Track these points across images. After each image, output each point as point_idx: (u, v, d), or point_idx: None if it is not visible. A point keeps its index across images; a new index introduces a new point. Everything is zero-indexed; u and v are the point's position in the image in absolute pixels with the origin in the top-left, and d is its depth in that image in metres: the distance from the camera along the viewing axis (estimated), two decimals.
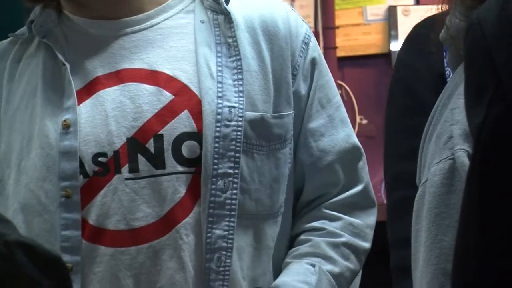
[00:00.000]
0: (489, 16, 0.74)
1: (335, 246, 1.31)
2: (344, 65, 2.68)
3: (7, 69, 1.34)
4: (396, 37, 2.78)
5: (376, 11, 2.89)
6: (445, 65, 1.34)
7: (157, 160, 1.27)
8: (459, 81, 0.98)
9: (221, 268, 1.26)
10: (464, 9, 0.95)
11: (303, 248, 1.32)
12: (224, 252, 1.26)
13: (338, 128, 1.35)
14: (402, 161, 1.30)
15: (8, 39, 1.38)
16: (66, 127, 1.27)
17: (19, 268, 0.79)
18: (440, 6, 1.05)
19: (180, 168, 1.27)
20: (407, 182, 1.08)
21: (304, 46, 1.35)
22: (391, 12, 2.83)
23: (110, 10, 1.31)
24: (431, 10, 1.20)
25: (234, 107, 1.28)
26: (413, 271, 0.99)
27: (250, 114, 1.28)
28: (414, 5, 2.86)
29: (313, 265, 1.30)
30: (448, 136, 0.96)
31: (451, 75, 1.19)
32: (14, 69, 1.35)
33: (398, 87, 1.46)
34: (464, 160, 0.91)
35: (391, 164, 1.44)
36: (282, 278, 1.31)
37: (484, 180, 0.74)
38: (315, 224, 1.34)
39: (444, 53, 1.33)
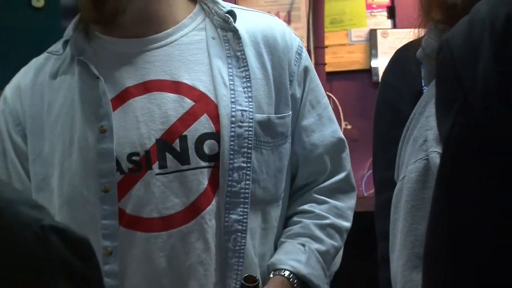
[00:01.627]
0: (457, 39, 0.76)
1: (322, 227, 1.37)
2: (332, 79, 2.80)
3: (47, 81, 1.38)
4: (376, 55, 2.93)
5: (359, 33, 3.03)
6: (423, 84, 1.33)
7: (182, 157, 1.33)
8: (433, 92, 0.95)
9: (237, 247, 1.31)
10: (437, 32, 1.01)
11: (295, 229, 1.39)
12: (239, 234, 1.32)
13: (326, 125, 1.41)
14: (388, 168, 1.28)
15: (44, 55, 1.43)
16: (103, 131, 1.31)
17: (52, 249, 0.83)
18: (415, 30, 1.11)
19: (202, 163, 1.32)
20: (392, 186, 1.10)
21: (297, 56, 1.40)
22: (372, 34, 3.01)
23: (136, 30, 1.35)
24: (407, 33, 1.24)
25: (245, 110, 1.33)
26: (390, 254, 1.05)
27: (259, 116, 1.33)
28: (392, 28, 3.01)
29: (303, 245, 1.36)
30: (424, 140, 1.00)
31: None
32: (52, 81, 1.38)
33: (383, 105, 1.50)
34: (436, 161, 0.93)
35: (379, 171, 1.47)
36: (277, 257, 1.37)
37: (452, 180, 0.76)
38: (305, 207, 1.40)
39: (422, 74, 1.32)
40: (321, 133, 1.39)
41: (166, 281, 1.30)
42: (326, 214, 1.38)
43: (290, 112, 1.37)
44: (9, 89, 1.43)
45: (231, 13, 1.36)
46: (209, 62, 1.34)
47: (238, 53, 1.35)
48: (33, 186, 1.37)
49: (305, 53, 1.42)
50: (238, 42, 1.35)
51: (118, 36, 1.35)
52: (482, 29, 0.73)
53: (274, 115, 1.36)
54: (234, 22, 1.34)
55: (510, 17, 0.71)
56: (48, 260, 0.83)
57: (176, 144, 1.32)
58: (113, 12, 1.30)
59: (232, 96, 1.33)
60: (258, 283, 1.29)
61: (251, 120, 1.33)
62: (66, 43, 1.35)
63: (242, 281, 1.29)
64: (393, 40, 2.96)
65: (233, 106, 1.32)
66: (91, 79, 1.32)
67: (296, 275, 1.32)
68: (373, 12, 3.07)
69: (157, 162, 1.31)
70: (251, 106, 1.33)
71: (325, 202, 1.39)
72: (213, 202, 1.31)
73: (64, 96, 1.35)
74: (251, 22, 1.39)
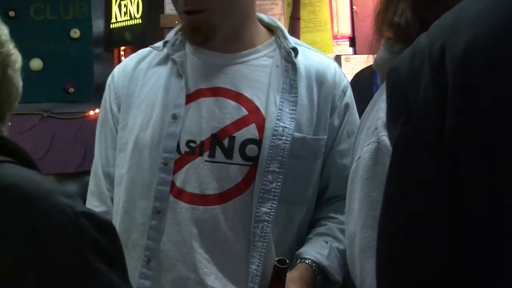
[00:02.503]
0: (403, 66, 0.82)
1: (343, 231, 1.37)
2: None
3: (144, 69, 1.50)
4: None
5: None
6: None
7: (228, 153, 1.42)
8: (381, 92, 1.08)
9: (263, 234, 1.40)
10: (387, 46, 1.11)
11: (321, 229, 1.47)
12: (266, 223, 1.40)
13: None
14: None
15: (148, 48, 1.54)
16: (175, 118, 1.43)
17: (83, 230, 0.90)
18: (370, 56, 1.18)
19: (242, 161, 1.42)
20: None
21: (342, 94, 1.49)
22: (337, 59, 3.18)
23: (222, 47, 1.46)
24: (364, 58, 1.47)
25: (286, 127, 1.42)
26: (346, 218, 1.12)
27: (297, 134, 1.42)
28: (352, 54, 3.30)
29: (327, 242, 1.44)
30: (375, 128, 1.07)
31: None
32: (149, 70, 1.50)
33: None
34: (386, 142, 0.99)
35: None
36: (304, 248, 1.45)
37: (400, 173, 0.82)
38: (332, 214, 1.48)
39: (377, 78, 1.30)
40: (351, 158, 1.40)
41: (195, 244, 1.42)
42: None
43: (325, 137, 1.46)
44: (117, 68, 1.57)
45: (295, 49, 1.46)
46: (268, 83, 1.44)
47: (292, 82, 1.45)
48: (117, 147, 1.50)
49: (349, 92, 1.50)
50: (295, 73, 1.45)
51: (207, 48, 1.47)
52: (422, 58, 0.79)
53: (310, 136, 1.44)
54: (295, 57, 1.45)
55: (444, 49, 0.77)
56: (80, 239, 0.89)
57: (226, 141, 1.42)
58: (205, 39, 1.44)
59: (279, 114, 1.43)
60: (287, 265, 1.36)
61: (289, 136, 1.42)
62: (165, 43, 1.49)
63: (275, 263, 1.36)
64: (354, 63, 3.17)
65: (277, 122, 1.42)
66: (177, 75, 1.45)
67: (318, 264, 1.41)
68: (338, 41, 3.33)
69: (207, 152, 1.42)
70: (292, 125, 1.42)
71: None
72: (244, 194, 1.41)
73: (153, 83, 1.47)
74: (310, 60, 1.49)
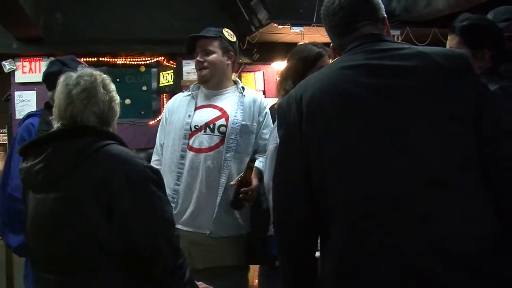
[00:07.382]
0: (284, 103, 1.39)
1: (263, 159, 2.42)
2: None
3: (179, 99, 2.60)
4: None
5: None
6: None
7: (212, 130, 2.45)
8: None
9: (227, 166, 2.45)
10: (281, 98, 1.82)
11: (259, 160, 2.52)
12: (228, 161, 2.46)
13: (269, 135, 2.36)
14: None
15: (185, 92, 2.63)
16: (189, 116, 2.51)
17: (147, 173, 1.55)
18: (275, 99, 2.51)
19: (218, 134, 2.47)
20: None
21: (264, 108, 2.59)
22: None
23: (213, 87, 2.54)
24: (272, 101, 3.40)
25: (238, 119, 2.46)
26: (264, 176, 2.18)
27: (243, 123, 2.47)
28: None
29: (261, 162, 2.48)
30: (275, 136, 1.97)
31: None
32: (182, 99, 2.59)
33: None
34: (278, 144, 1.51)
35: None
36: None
37: (281, 151, 1.40)
38: (260, 155, 2.56)
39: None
40: (267, 136, 2.48)
41: (199, 170, 2.43)
42: (264, 157, 2.35)
43: (255, 125, 2.53)
44: (169, 101, 2.66)
45: (243, 88, 2.54)
46: (231, 102, 2.49)
47: (242, 101, 2.52)
48: (166, 132, 2.58)
49: (267, 108, 2.58)
50: (243, 99, 2.51)
51: (207, 88, 2.57)
52: (292, 99, 1.33)
53: (249, 123, 2.49)
54: (243, 91, 2.54)
55: (301, 96, 1.30)
56: (147, 177, 1.55)
57: (211, 126, 2.44)
58: (204, 82, 2.50)
59: (235, 115, 2.46)
60: (255, 161, 2.35)
61: (239, 123, 2.45)
62: (189, 89, 2.59)
63: (249, 160, 2.34)
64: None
65: (234, 118, 2.45)
66: (192, 99, 2.56)
67: (259, 169, 2.47)
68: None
69: (203, 130, 2.45)
70: (240, 119, 2.46)
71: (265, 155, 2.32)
72: (219, 148, 2.43)
73: (183, 103, 2.57)
74: (250, 93, 2.56)
